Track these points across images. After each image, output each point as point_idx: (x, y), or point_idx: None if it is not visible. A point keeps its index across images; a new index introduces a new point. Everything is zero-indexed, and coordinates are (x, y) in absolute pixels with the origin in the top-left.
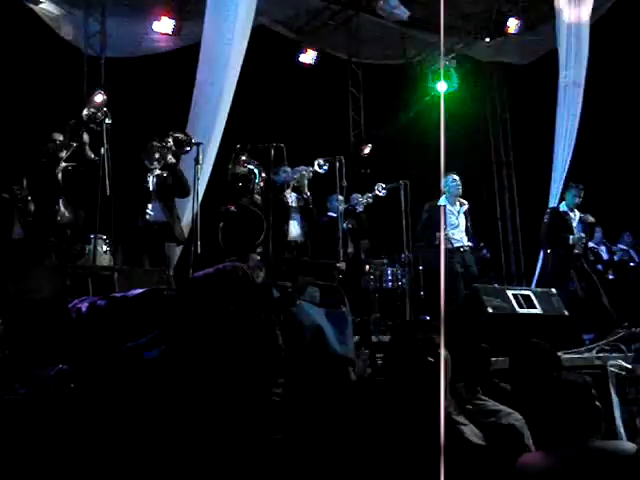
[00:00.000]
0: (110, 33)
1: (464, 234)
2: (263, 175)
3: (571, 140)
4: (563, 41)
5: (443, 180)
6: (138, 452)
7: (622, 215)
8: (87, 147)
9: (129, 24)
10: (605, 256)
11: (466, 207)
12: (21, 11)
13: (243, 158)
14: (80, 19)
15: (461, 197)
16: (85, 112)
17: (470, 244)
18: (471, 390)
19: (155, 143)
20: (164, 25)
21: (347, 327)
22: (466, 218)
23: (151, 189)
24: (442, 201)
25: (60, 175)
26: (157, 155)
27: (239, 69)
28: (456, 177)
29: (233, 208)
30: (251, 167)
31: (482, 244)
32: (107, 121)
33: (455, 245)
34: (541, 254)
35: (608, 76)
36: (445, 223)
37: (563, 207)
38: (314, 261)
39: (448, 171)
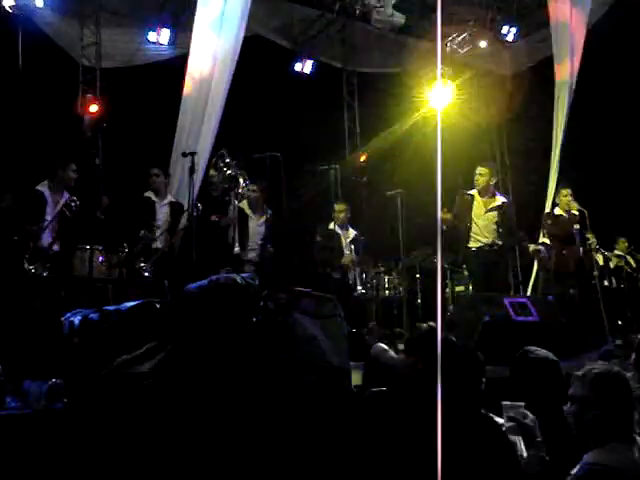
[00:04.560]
0: (105, 43)
1: (488, 233)
2: (247, 181)
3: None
4: (559, 45)
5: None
6: (134, 465)
7: (617, 221)
8: None
9: (124, 34)
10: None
11: (496, 203)
12: (18, 20)
13: (227, 161)
14: (75, 30)
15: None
16: None
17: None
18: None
19: (158, 178)
20: (159, 35)
21: (342, 338)
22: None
23: (159, 223)
24: (472, 191)
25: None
26: (163, 187)
27: (230, 80)
28: (479, 169)
29: (216, 218)
30: (232, 173)
31: None
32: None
33: (478, 244)
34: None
35: (603, 80)
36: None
37: (558, 211)
38: (309, 271)
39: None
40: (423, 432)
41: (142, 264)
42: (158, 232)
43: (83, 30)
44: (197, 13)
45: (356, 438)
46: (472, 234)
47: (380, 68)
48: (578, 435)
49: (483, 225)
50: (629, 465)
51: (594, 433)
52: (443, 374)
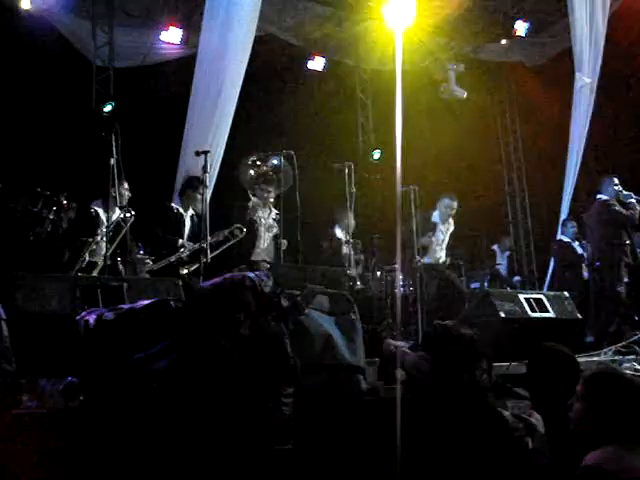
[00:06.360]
0: (118, 43)
1: (444, 252)
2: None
3: (582, 142)
4: (578, 41)
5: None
6: (147, 464)
7: None
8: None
9: (137, 34)
10: (579, 251)
11: (451, 229)
12: (32, 20)
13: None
14: (88, 30)
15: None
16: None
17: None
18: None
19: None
20: (172, 35)
21: (357, 335)
22: (450, 238)
23: (187, 233)
24: (435, 217)
25: None
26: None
27: (241, 78)
28: (451, 201)
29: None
30: (274, 162)
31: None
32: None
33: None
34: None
35: (621, 76)
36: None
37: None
38: (324, 268)
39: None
40: (433, 427)
41: (185, 271)
42: (188, 245)
43: (96, 30)
44: (205, 11)
45: (370, 436)
46: (430, 249)
47: (392, 65)
48: (580, 434)
49: (437, 241)
50: (626, 468)
51: (593, 433)
52: (449, 367)
